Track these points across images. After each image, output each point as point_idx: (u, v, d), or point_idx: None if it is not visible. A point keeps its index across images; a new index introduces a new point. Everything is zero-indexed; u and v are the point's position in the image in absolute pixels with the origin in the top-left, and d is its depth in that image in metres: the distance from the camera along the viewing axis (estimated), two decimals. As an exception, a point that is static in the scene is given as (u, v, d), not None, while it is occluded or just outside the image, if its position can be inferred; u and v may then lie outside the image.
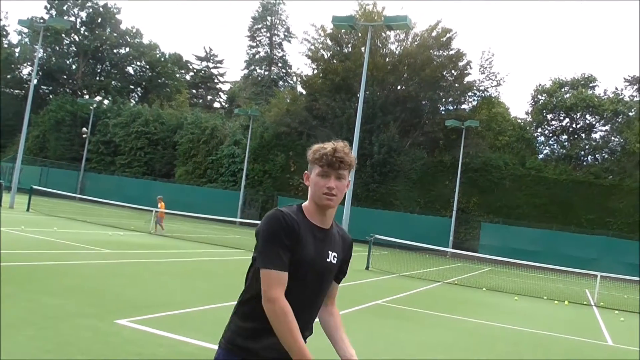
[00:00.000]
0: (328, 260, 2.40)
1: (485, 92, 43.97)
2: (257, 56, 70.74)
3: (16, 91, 61.81)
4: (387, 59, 42.57)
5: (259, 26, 70.80)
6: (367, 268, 17.88)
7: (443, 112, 43.18)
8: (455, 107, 43.84)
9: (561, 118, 44.47)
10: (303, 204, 2.46)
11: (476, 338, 8.96)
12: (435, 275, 18.79)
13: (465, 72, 42.54)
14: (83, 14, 63.02)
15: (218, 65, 75.89)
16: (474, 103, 44.38)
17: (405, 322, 9.48)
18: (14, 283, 8.29)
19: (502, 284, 18.77)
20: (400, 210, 37.69)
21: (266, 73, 69.79)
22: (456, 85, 42.77)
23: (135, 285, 9.84)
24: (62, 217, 23.62)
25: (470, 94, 44.01)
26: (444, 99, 43.71)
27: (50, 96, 60.40)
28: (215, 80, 76.68)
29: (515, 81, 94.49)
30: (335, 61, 43.49)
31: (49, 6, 62.02)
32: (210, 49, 77.69)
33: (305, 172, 2.44)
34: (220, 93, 77.36)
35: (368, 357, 6.72)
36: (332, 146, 2.35)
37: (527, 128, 45.46)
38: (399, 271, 18.30)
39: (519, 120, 46.87)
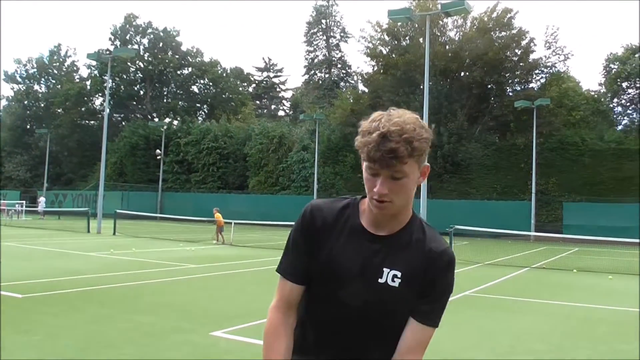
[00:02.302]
0: (381, 280, 1.70)
1: (553, 68, 42.30)
2: (315, 60, 71.11)
3: (91, 122, 64.79)
4: (447, 47, 41.79)
5: (315, 30, 71.14)
6: (449, 260, 17.56)
7: (511, 94, 41.94)
8: (523, 87, 42.47)
9: (638, 85, 42.32)
10: (364, 197, 1.80)
11: (575, 322, 8.62)
12: (521, 261, 18.26)
13: (529, 50, 41.11)
14: (145, 41, 65.38)
15: (278, 74, 76.89)
16: (543, 81, 42.79)
17: (497, 312, 9.24)
18: (110, 304, 8.63)
19: (593, 264, 18.03)
20: (477, 199, 36.88)
21: (327, 76, 70.02)
22: (521, 64, 41.41)
23: (224, 297, 10.05)
24: (147, 237, 24.47)
25: (537, 71, 42.48)
26: (510, 81, 42.43)
27: (123, 123, 62.90)
28: (278, 89, 77.67)
29: (583, 53, 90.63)
30: (394, 55, 43.08)
31: (113, 37, 64.67)
32: (269, 59, 78.87)
33: None
34: (283, 101, 78.33)
35: (463, 351, 6.58)
36: (380, 131, 1.59)
37: (602, 100, 43.54)
38: (483, 260, 17.89)
39: (592, 93, 44.96)
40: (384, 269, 1.71)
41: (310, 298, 1.81)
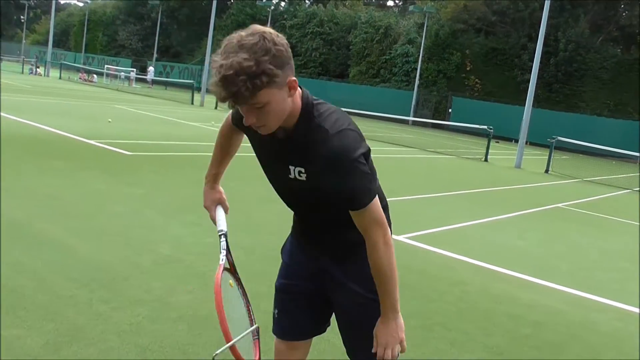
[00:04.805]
0: (290, 176, 1.79)
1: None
2: (433, -51, 67.12)
3: (201, -4, 65.21)
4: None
5: None
6: (546, 171, 17.04)
7: (644, 3, 38.23)
8: (659, -5, 38.54)
9: None
10: None
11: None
12: (623, 182, 17.40)
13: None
14: None
15: (392, -39, 73.42)
16: (684, -10, 38.59)
17: (589, 227, 8.99)
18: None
19: (703, 195, 16.93)
20: (587, 113, 34.86)
21: (442, -33, 66.24)
22: (663, -31, 37.37)
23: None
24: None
25: (680, -21, 38.25)
26: (646, -13, 38.56)
27: (232, 0, 62.94)
28: (389, -23, 74.50)
29: None
30: (519, -51, 39.94)
31: None
32: (385, -56, 74.99)
33: None
34: (394, -9, 75.25)
35: (548, 258, 6.53)
36: (217, 78, 1.51)
37: None
38: (582, 176, 17.20)
39: None
40: (290, 167, 1.78)
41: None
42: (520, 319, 4.35)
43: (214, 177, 2.28)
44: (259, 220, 6.34)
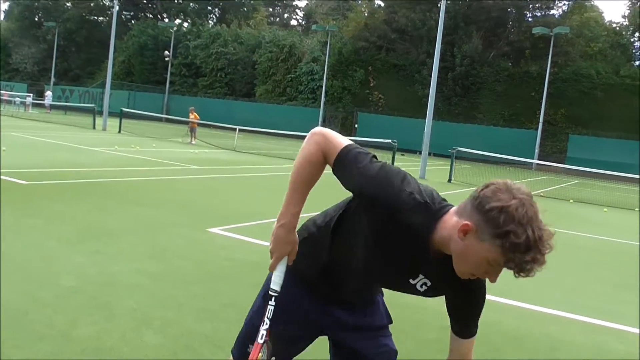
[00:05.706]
0: (412, 281, 1.82)
1: (578, -4, 41.07)
2: (332, -31, 68.68)
3: (100, 18, 63.43)
4: (469, -35, 40.40)
5: (334, -63, 68.28)
6: (449, 180, 17.78)
7: (530, 20, 40.86)
8: (543, 13, 41.33)
9: (662, 20, 41.05)
10: (443, 218, 1.68)
11: (562, 247, 8.74)
12: (520, 188, 18.38)
13: (554, -27, 39.77)
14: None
15: (293, -19, 74.53)
16: (565, 8, 41.61)
17: (489, 232, 9.43)
18: (112, 197, 8.83)
19: (590, 196, 18.21)
20: (483, 124, 36.74)
21: (343, -13, 67.87)
22: (544, -12, 40.19)
23: (224, 198, 10.25)
24: (151, 137, 24.62)
25: (560, -3, 41.27)
26: (531, 5, 41.24)
27: (132, 22, 61.62)
28: (291, -3, 75.50)
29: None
30: (414, -30, 41.69)
31: None
32: (285, -35, 76.05)
33: (467, 222, 1.58)
34: (297, 10, 76.35)
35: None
36: (540, 250, 1.58)
37: (623, 33, 42.31)
38: (482, 184, 18.01)
39: (615, 25, 43.64)
40: (420, 274, 1.81)
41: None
42: (427, 325, 4.52)
43: (297, 221, 1.94)
44: (166, 245, 6.22)
